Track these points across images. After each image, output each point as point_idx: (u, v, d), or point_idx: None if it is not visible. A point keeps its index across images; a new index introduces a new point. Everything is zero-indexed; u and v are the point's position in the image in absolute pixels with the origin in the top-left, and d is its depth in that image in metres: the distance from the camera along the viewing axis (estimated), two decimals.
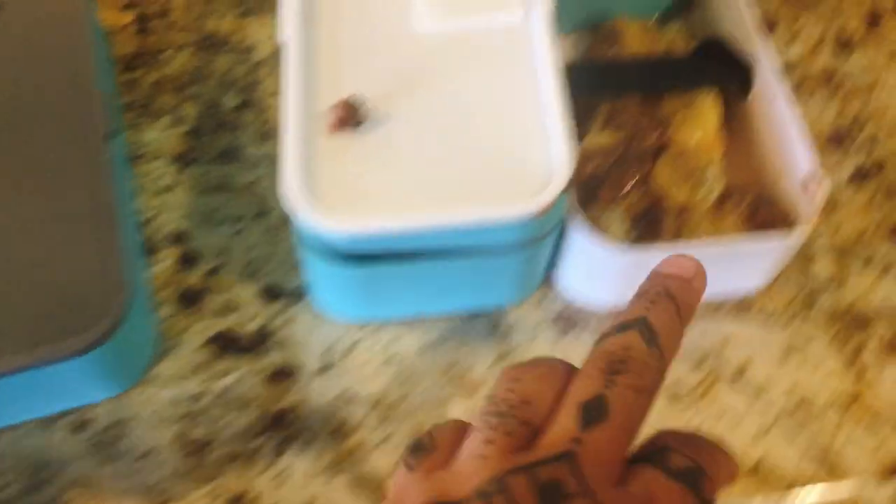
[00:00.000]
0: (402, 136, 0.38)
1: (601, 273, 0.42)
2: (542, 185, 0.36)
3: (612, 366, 0.22)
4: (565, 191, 0.36)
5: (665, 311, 0.23)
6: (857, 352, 0.43)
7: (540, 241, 0.39)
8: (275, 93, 0.50)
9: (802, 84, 0.52)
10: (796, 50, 0.53)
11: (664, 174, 0.44)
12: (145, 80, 0.50)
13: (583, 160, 0.44)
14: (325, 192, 0.37)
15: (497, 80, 0.40)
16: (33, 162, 0.39)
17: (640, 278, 0.42)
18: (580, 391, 0.22)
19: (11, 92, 0.41)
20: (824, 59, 0.53)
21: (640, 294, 0.24)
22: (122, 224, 0.38)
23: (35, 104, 0.41)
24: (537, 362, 0.23)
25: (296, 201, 0.36)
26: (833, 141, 0.50)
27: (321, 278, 0.41)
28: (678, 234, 0.43)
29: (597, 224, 0.42)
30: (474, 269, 0.40)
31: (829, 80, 0.52)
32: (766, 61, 0.45)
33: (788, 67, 0.53)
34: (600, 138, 0.44)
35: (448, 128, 0.39)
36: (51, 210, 0.38)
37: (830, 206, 0.47)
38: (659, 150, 0.45)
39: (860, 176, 0.49)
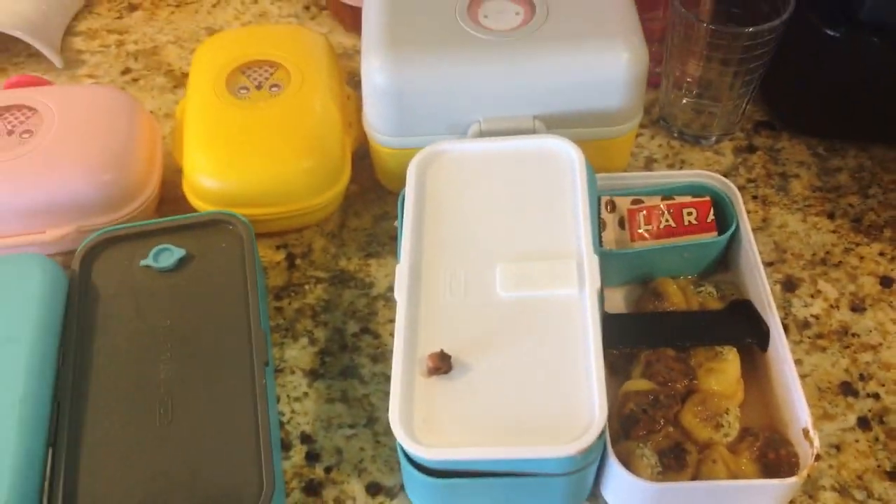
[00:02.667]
0: (479, 383, 0.51)
1: (633, 497, 0.53)
2: (585, 428, 0.48)
3: None
4: (600, 436, 0.48)
5: None
6: None
7: (582, 470, 0.51)
8: (388, 321, 0.64)
9: (821, 336, 0.63)
10: (816, 307, 0.64)
11: (690, 416, 0.55)
12: (290, 308, 0.65)
13: (623, 401, 0.55)
14: (419, 423, 0.50)
15: (555, 340, 0.52)
16: (210, 381, 0.54)
17: (668, 502, 0.52)
18: None
19: (201, 330, 0.56)
20: (839, 316, 0.64)
21: None
22: (271, 433, 0.51)
23: (217, 337, 0.56)
24: None
25: (397, 431, 0.49)
26: (843, 390, 0.60)
27: (413, 483, 0.53)
28: (699, 468, 0.53)
29: (631, 456, 0.53)
30: (533, 486, 0.51)
31: (844, 335, 0.63)
32: (777, 327, 0.56)
33: (808, 321, 0.63)
34: (638, 384, 0.56)
35: (515, 376, 0.51)
36: (222, 425, 0.52)
37: (835, 447, 0.57)
38: (687, 394, 0.56)
39: (863, 423, 0.58)
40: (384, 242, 0.70)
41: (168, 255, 0.59)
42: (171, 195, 0.70)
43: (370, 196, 0.72)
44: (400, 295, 0.54)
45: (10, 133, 0.64)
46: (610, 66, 0.63)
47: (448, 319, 0.54)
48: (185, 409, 0.53)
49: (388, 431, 0.59)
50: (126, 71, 0.83)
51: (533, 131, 0.64)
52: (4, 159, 0.62)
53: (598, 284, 0.54)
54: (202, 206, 0.64)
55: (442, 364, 0.51)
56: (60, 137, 0.63)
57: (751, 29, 0.66)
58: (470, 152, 0.62)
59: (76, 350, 0.55)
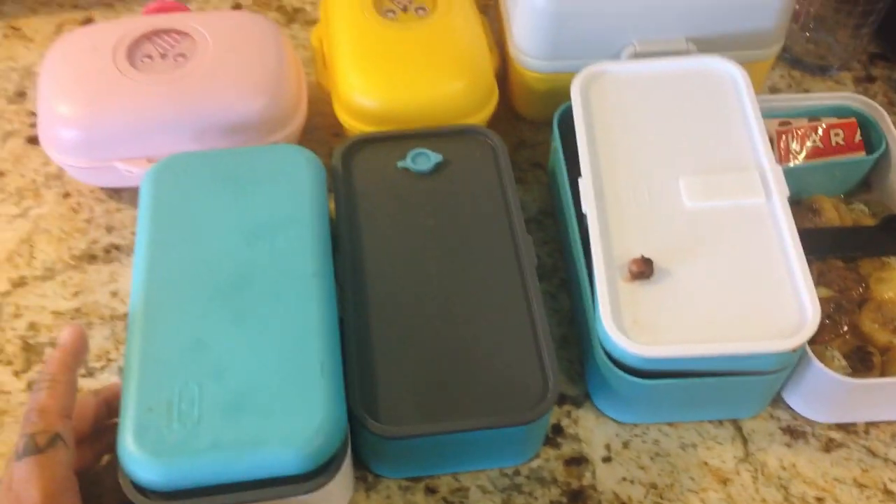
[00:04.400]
0: (681, 287, 0.52)
1: (824, 396, 0.54)
2: (795, 327, 0.50)
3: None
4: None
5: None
6: None
7: (785, 369, 0.52)
8: (544, 242, 0.65)
9: None
10: None
11: (868, 321, 0.57)
12: None
13: None
14: (630, 325, 0.51)
15: (748, 245, 0.54)
16: (481, 280, 0.54)
17: (854, 402, 0.54)
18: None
19: (465, 231, 0.56)
20: None
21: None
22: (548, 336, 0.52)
23: (482, 239, 0.56)
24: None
25: (612, 332, 0.50)
26: None
27: (608, 388, 0.54)
28: (884, 370, 0.55)
29: (821, 359, 0.54)
30: (730, 388, 0.53)
31: None
32: None
33: None
34: (819, 291, 0.57)
35: (716, 280, 0.52)
36: (496, 320, 0.52)
37: None
38: (862, 302, 0.58)
39: None
40: (526, 169, 0.70)
41: (425, 159, 0.59)
42: (309, 123, 0.69)
43: (503, 126, 0.72)
44: (589, 207, 0.55)
45: (163, 56, 0.63)
46: None
47: (638, 229, 0.55)
48: (460, 302, 0.53)
49: (563, 344, 0.60)
50: (236, 6, 0.82)
51: (686, 53, 0.65)
52: (166, 81, 0.61)
53: (786, 192, 0.55)
54: (356, 125, 0.64)
55: (645, 268, 0.52)
56: (217, 61, 0.63)
57: None
58: (631, 73, 0.63)
59: (348, 239, 0.56)
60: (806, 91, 0.76)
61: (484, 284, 0.54)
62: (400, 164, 0.59)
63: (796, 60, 0.77)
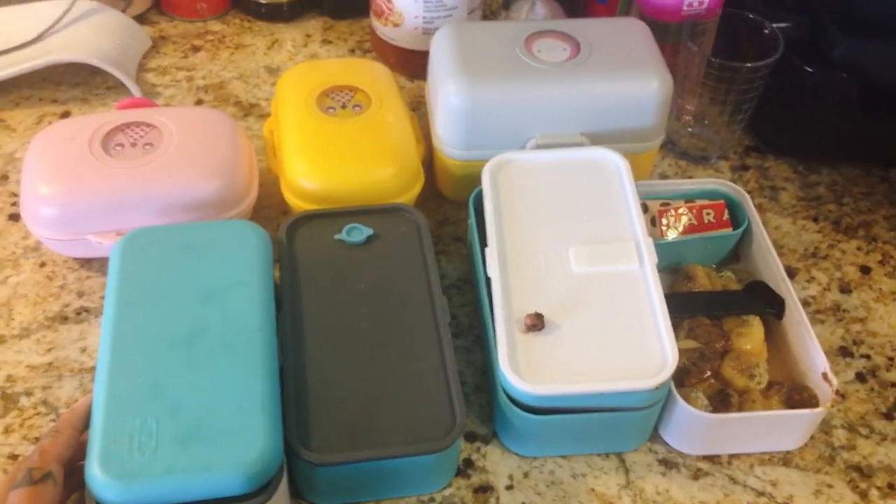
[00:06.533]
0: (567, 337, 0.62)
1: (691, 431, 0.64)
2: (657, 369, 0.60)
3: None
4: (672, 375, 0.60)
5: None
6: (864, 493, 0.64)
7: (654, 405, 0.62)
8: (462, 305, 0.75)
9: (818, 312, 0.77)
10: (812, 290, 0.78)
11: (729, 369, 0.67)
12: None
13: None
14: (524, 369, 0.61)
15: (624, 303, 0.64)
16: (403, 333, 0.64)
17: (717, 435, 0.64)
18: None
19: (391, 293, 0.66)
20: (831, 296, 0.78)
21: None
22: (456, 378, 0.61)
23: (405, 299, 0.66)
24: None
25: (509, 375, 0.60)
26: (841, 352, 0.73)
27: (510, 426, 0.64)
28: (741, 408, 0.65)
29: (687, 399, 0.65)
30: (610, 423, 0.63)
31: (836, 311, 0.77)
32: (792, 298, 0.70)
33: (807, 301, 0.77)
34: (685, 343, 0.68)
35: (596, 331, 0.63)
36: (415, 367, 0.62)
37: (841, 396, 0.70)
38: (724, 353, 0.69)
39: (861, 377, 0.71)
40: (449, 242, 0.81)
41: (358, 232, 0.70)
42: (260, 202, 0.80)
43: (430, 205, 0.83)
44: (493, 271, 0.66)
45: (133, 145, 0.74)
46: (643, 92, 0.77)
47: (534, 289, 0.65)
48: (385, 352, 0.62)
49: (475, 391, 0.69)
50: (199, 102, 0.93)
51: (580, 145, 0.77)
52: (134, 166, 0.71)
53: (655, 260, 0.66)
54: (300, 204, 0.74)
55: (538, 322, 0.63)
56: (180, 149, 0.73)
57: (749, 64, 0.81)
58: (533, 161, 0.74)
59: (290, 299, 0.65)
60: (690, 177, 0.88)
61: (405, 337, 0.64)
62: (336, 236, 0.69)
63: (682, 152, 0.90)
